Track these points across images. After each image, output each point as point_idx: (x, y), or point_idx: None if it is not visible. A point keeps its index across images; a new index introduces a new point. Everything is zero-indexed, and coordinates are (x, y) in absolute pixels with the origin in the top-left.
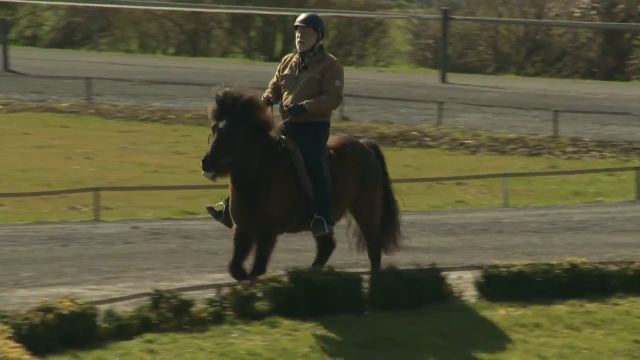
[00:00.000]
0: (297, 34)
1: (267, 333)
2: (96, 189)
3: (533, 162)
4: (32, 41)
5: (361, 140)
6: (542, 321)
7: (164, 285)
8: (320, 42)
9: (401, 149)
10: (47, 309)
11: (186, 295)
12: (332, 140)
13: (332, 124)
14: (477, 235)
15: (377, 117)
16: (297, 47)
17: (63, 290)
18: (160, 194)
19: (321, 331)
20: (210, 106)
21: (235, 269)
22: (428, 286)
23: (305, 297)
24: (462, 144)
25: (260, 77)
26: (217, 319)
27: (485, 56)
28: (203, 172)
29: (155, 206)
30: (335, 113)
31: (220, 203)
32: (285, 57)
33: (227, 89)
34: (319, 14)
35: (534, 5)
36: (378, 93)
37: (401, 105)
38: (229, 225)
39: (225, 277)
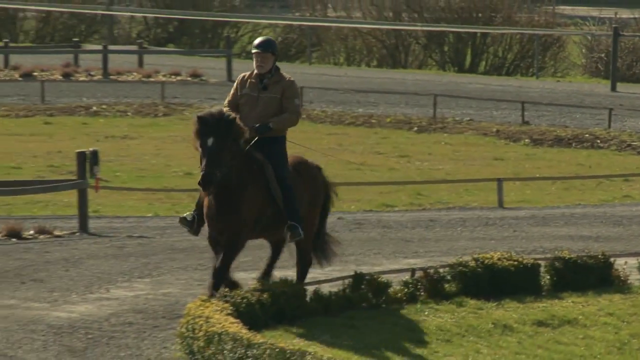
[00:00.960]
0: (257, 58)
1: (455, 311)
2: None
3: None
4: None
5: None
6: None
7: (364, 269)
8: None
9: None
10: (262, 290)
11: (384, 278)
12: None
13: (514, 127)
14: (628, 227)
15: (555, 121)
16: (256, 69)
17: (277, 273)
18: (363, 189)
19: (502, 310)
20: (194, 128)
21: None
22: (597, 271)
23: (489, 280)
24: (629, 145)
25: (451, 86)
26: (411, 298)
27: None
28: (202, 188)
29: (358, 199)
30: (517, 117)
31: (189, 213)
32: (241, 76)
33: (210, 111)
34: (505, 30)
35: None
36: (555, 100)
37: (575, 111)
38: (196, 233)
39: (419, 262)
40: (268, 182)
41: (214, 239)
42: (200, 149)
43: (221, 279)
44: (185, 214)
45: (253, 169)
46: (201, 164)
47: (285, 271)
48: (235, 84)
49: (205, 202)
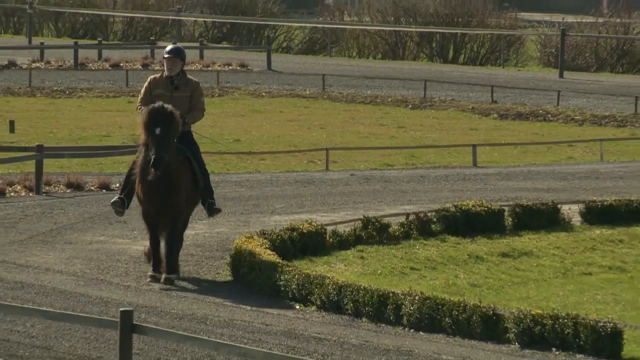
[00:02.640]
0: (168, 63)
1: (439, 246)
2: (327, 149)
3: (620, 131)
4: (286, 50)
5: None
6: (624, 238)
7: (370, 213)
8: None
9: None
10: (292, 229)
11: (385, 220)
12: None
13: (485, 105)
14: (582, 180)
15: (516, 100)
16: (167, 72)
17: (303, 216)
18: (370, 152)
19: (475, 245)
20: (144, 119)
21: (157, 246)
22: (547, 215)
23: (465, 222)
24: (572, 119)
25: (438, 74)
26: (406, 236)
27: (589, 60)
28: (153, 169)
29: (366, 160)
30: (488, 98)
31: (118, 197)
32: (151, 78)
33: (157, 105)
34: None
35: (622, 25)
36: (517, 84)
37: (532, 92)
38: (123, 214)
39: (412, 208)
40: (193, 168)
41: (153, 217)
42: (149, 137)
43: (177, 259)
44: (114, 199)
45: (180, 157)
46: (150, 150)
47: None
48: (145, 85)
49: (141, 187)
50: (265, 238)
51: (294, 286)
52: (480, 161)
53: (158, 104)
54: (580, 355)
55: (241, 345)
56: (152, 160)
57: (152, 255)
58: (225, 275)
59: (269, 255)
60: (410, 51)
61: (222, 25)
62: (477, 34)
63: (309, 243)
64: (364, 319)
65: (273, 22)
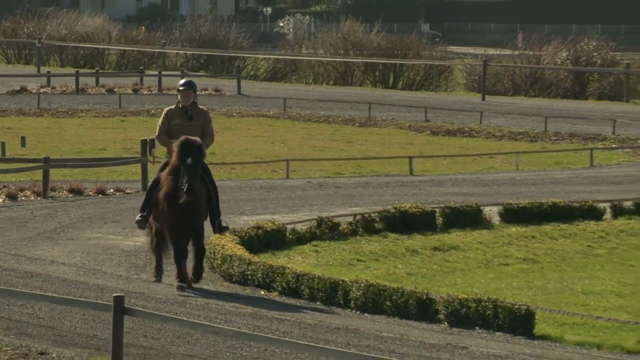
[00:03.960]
0: (183, 94)
1: (381, 241)
2: (287, 160)
3: (533, 145)
4: (254, 77)
5: None
6: (536, 234)
7: (324, 214)
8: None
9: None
10: (258, 227)
11: (336, 220)
12: None
13: (420, 123)
14: (501, 186)
15: (446, 120)
16: (182, 102)
17: (267, 216)
18: (323, 163)
19: (411, 240)
20: (177, 150)
21: (180, 257)
22: (472, 215)
23: (403, 221)
24: (493, 135)
25: (380, 97)
26: (353, 233)
27: (507, 85)
28: (187, 197)
29: (320, 169)
30: (422, 117)
31: (140, 216)
32: (168, 110)
33: (188, 137)
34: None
35: (534, 57)
36: (446, 106)
37: (459, 113)
38: (144, 229)
39: (359, 209)
40: (207, 187)
41: (181, 233)
42: (181, 166)
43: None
44: (138, 218)
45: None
46: (182, 178)
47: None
48: (162, 116)
49: (170, 209)
50: (236, 235)
51: (259, 275)
52: (416, 170)
53: (187, 137)
54: (499, 333)
55: (215, 325)
56: (187, 188)
57: (178, 265)
58: None
59: (239, 249)
60: (357, 78)
61: (200, 57)
62: (413, 64)
63: (272, 239)
64: (318, 303)
65: (242, 54)
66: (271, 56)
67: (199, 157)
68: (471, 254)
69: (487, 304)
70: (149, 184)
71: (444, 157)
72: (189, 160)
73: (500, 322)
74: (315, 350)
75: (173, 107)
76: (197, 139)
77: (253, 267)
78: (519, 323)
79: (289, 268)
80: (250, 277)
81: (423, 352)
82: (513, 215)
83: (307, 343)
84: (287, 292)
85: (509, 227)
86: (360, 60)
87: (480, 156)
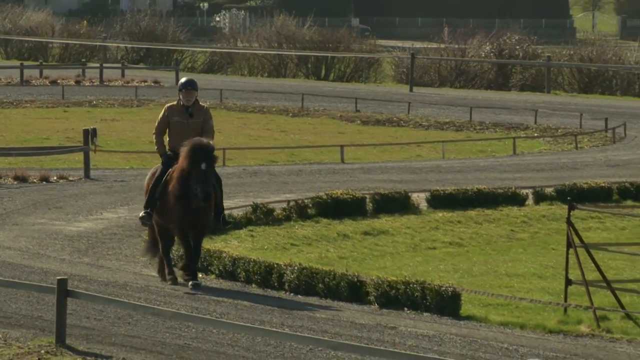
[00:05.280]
0: (186, 95)
1: (314, 226)
2: (224, 149)
3: (458, 134)
4: (191, 70)
5: None
6: (462, 219)
7: (259, 200)
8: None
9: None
10: None
11: (271, 205)
12: None
13: (351, 113)
14: (428, 174)
15: (375, 110)
16: (185, 102)
17: None
18: (258, 151)
19: (343, 225)
20: (189, 154)
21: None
22: (400, 201)
23: (334, 207)
24: (420, 124)
25: (313, 88)
26: (287, 218)
27: (434, 77)
28: (206, 201)
29: (255, 157)
30: (353, 107)
31: (144, 212)
32: (168, 107)
33: (201, 141)
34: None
35: (459, 50)
36: (375, 97)
37: (388, 103)
38: (148, 225)
39: (292, 196)
40: (215, 187)
41: (188, 232)
42: (194, 171)
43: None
44: (142, 214)
45: None
46: (197, 183)
47: None
48: (162, 112)
49: (182, 210)
50: None
51: None
52: (347, 158)
53: (199, 140)
54: (427, 314)
55: (154, 307)
56: (204, 195)
57: (167, 260)
58: (142, 250)
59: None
60: (291, 70)
61: (140, 50)
62: (344, 57)
63: (209, 224)
64: (253, 285)
65: (180, 48)
66: (208, 49)
67: (213, 161)
68: (400, 238)
69: (415, 286)
70: (150, 180)
71: (373, 146)
72: (203, 166)
73: (427, 304)
74: (251, 331)
75: (174, 103)
76: (209, 141)
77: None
78: (446, 304)
79: (225, 252)
80: None
81: (354, 332)
82: (440, 201)
83: (243, 324)
84: (224, 275)
85: (436, 212)
86: (293, 53)
87: (408, 145)
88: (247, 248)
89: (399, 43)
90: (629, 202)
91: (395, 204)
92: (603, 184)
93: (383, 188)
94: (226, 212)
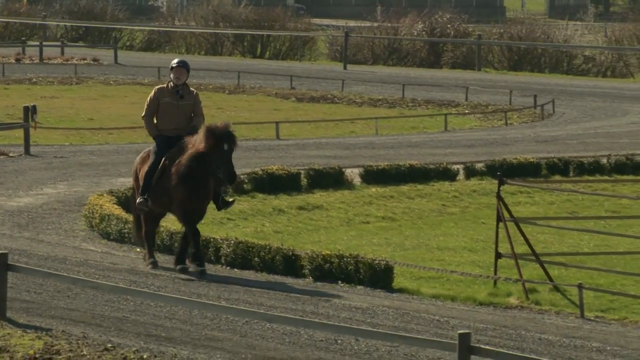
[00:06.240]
0: (177, 73)
1: (250, 201)
2: None
3: (391, 111)
4: (130, 48)
5: None
6: (394, 194)
7: None
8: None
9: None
10: (134, 188)
11: None
12: None
13: (286, 91)
14: (361, 149)
15: (310, 87)
16: (175, 81)
17: None
18: None
19: (278, 200)
20: (209, 136)
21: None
22: (334, 176)
23: (270, 182)
24: (354, 101)
25: (249, 67)
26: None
27: (367, 55)
28: (232, 183)
29: None
30: (288, 85)
31: (142, 198)
32: (158, 88)
33: (224, 123)
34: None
35: (392, 28)
36: (310, 74)
37: (322, 81)
38: (145, 211)
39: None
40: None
41: (191, 216)
42: (215, 153)
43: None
44: (140, 200)
45: None
46: (221, 165)
47: None
48: (152, 94)
49: (192, 192)
50: (113, 195)
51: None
52: (282, 135)
53: (222, 123)
54: (360, 287)
55: (93, 280)
56: (228, 177)
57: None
58: (81, 225)
59: (116, 209)
60: (227, 49)
61: (79, 28)
62: (279, 35)
63: None
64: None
65: (119, 26)
66: (146, 28)
67: (234, 142)
68: (334, 213)
69: (348, 259)
70: (141, 165)
71: (308, 122)
72: (225, 147)
73: (361, 277)
74: (188, 304)
75: (164, 85)
76: (229, 123)
77: (130, 225)
78: (379, 277)
79: (163, 226)
80: (127, 235)
81: (289, 305)
82: (373, 176)
83: (180, 297)
84: (161, 249)
85: (369, 187)
86: (229, 31)
87: (342, 121)
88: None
89: (333, 22)
90: (557, 177)
91: (329, 179)
92: (532, 160)
93: (317, 164)
94: None
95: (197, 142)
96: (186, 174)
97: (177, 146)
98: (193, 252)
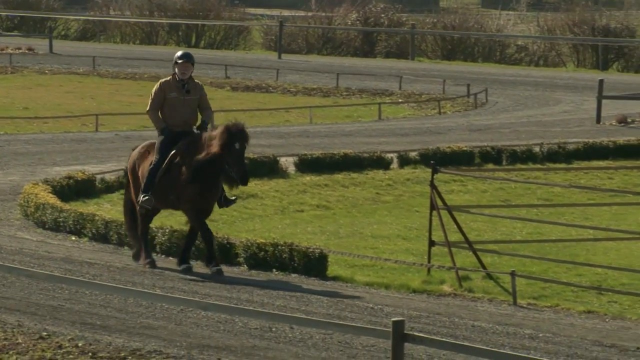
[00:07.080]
0: (182, 67)
1: None
2: (96, 115)
3: (325, 100)
4: (65, 37)
5: None
6: (329, 183)
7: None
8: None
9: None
10: (69, 177)
11: None
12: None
13: (221, 80)
14: (296, 138)
15: (245, 76)
16: (180, 75)
17: (78, 167)
18: (130, 117)
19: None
20: (225, 133)
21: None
22: (269, 165)
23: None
24: (288, 90)
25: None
26: None
27: (301, 45)
28: (245, 183)
29: (127, 123)
30: (223, 74)
31: (146, 197)
32: (162, 81)
33: (237, 122)
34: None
35: (326, 18)
36: (245, 64)
37: (257, 70)
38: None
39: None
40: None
41: (200, 215)
42: (227, 152)
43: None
44: (145, 198)
45: None
46: (233, 164)
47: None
48: (156, 88)
49: (193, 191)
50: (48, 184)
51: (70, 222)
52: (217, 123)
53: (239, 122)
54: (295, 275)
55: (28, 269)
56: (242, 177)
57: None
58: (16, 214)
59: (51, 198)
60: (162, 38)
61: (14, 18)
62: (214, 25)
63: (82, 188)
64: (125, 248)
65: (54, 15)
66: (81, 17)
67: (246, 141)
68: (268, 202)
69: (283, 247)
70: (140, 160)
71: (242, 111)
72: (237, 145)
73: (295, 265)
74: (123, 292)
75: (169, 79)
76: (243, 123)
77: (64, 214)
78: (313, 265)
79: (98, 215)
80: (62, 224)
81: (224, 293)
82: (307, 165)
83: (115, 285)
84: (96, 237)
85: (304, 176)
86: (164, 21)
87: (277, 110)
88: (119, 211)
89: (268, 11)
90: (490, 166)
91: (264, 168)
92: (465, 148)
93: (252, 152)
94: (99, 175)
95: (212, 140)
96: (200, 175)
97: (190, 140)
98: (208, 255)
